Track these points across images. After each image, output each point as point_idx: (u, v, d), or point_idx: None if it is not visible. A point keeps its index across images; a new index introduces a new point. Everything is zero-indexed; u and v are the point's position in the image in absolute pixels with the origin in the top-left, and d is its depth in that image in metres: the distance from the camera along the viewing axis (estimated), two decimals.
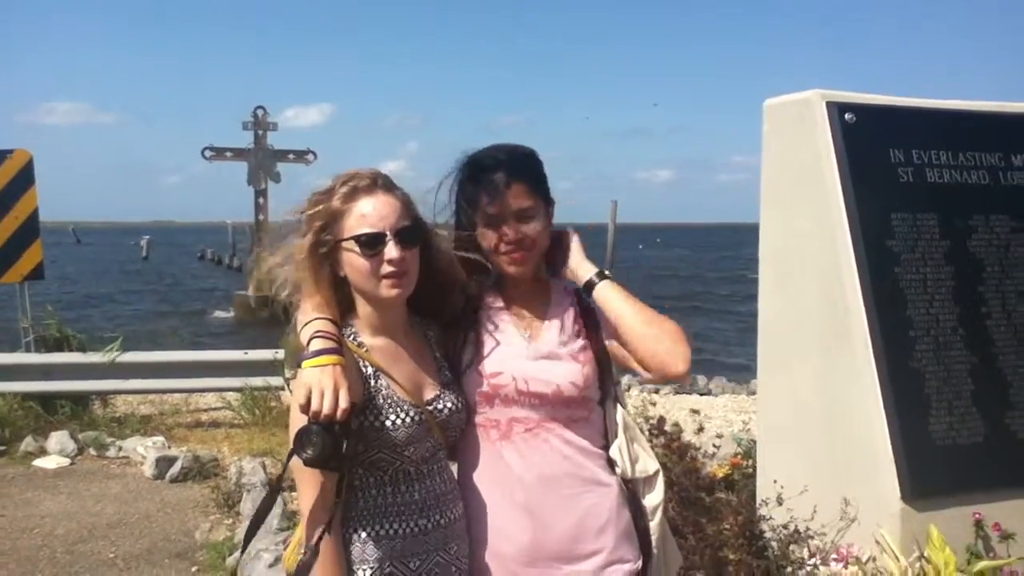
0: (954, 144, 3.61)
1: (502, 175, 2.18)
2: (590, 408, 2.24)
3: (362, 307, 2.13)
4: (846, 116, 3.51)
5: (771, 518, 3.47)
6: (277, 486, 2.04)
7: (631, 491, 2.27)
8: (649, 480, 2.29)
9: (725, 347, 19.89)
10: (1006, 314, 3.48)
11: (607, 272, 2.24)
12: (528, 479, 2.16)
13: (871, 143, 3.51)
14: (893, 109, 3.67)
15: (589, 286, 2.22)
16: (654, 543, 2.28)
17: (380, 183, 2.08)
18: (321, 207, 2.06)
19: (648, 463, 2.29)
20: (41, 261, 9.31)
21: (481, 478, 2.21)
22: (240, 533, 5.35)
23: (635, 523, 2.25)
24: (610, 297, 2.18)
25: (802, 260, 3.67)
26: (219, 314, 26.51)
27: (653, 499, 2.29)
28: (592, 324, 2.27)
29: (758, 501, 3.69)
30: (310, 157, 24.82)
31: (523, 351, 2.22)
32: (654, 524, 2.28)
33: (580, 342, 2.25)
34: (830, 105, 3.53)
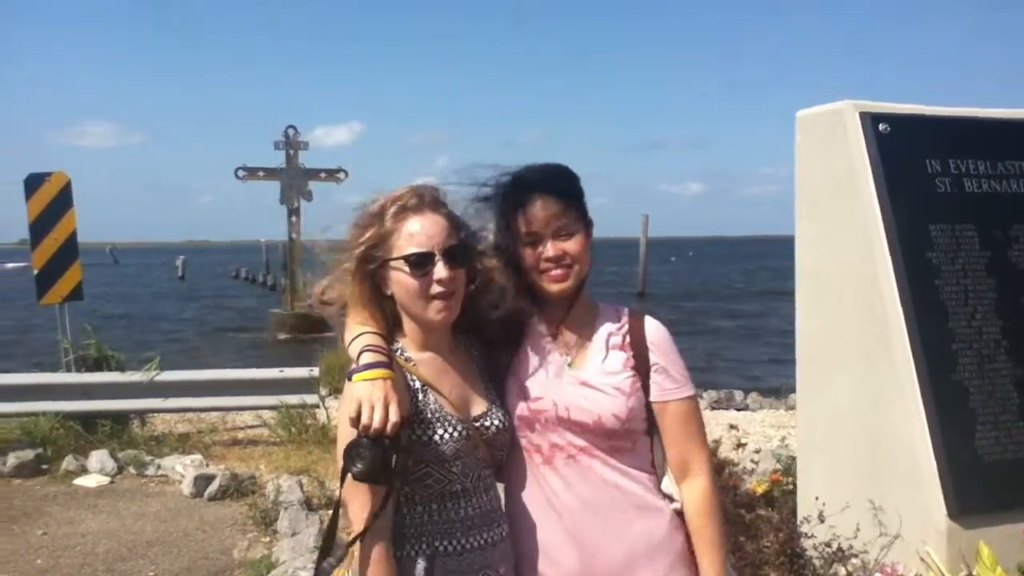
0: (992, 153, 3.55)
1: (538, 193, 2.17)
2: (635, 439, 2.20)
3: (408, 325, 2.13)
4: (880, 126, 3.47)
5: (812, 536, 3.42)
6: (339, 502, 2.02)
7: (684, 517, 2.22)
8: None
9: (760, 363, 19.68)
10: None
11: None
12: (574, 505, 2.14)
13: (906, 153, 3.47)
14: (928, 118, 3.62)
15: None
16: None
17: (428, 201, 2.09)
18: (372, 229, 2.07)
19: None
20: (80, 282, 9.47)
21: (528, 502, 2.19)
22: (277, 552, 5.37)
23: (691, 549, 2.20)
24: None
25: (840, 273, 3.62)
26: (254, 333, 26.74)
27: None
28: (642, 356, 2.22)
29: (799, 518, 3.64)
30: (341, 175, 25.00)
31: (564, 376, 2.20)
32: None
33: (628, 372, 2.20)
34: (863, 115, 3.49)
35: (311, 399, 8.69)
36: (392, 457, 1.86)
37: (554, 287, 2.19)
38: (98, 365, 9.15)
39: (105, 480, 7.45)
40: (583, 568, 2.13)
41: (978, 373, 3.24)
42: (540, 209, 2.15)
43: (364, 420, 1.85)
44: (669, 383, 2.21)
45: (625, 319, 2.27)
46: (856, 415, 3.50)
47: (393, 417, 1.85)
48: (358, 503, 1.93)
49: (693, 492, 2.19)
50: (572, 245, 2.18)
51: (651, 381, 2.20)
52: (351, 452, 1.86)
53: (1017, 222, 3.49)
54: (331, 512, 2.02)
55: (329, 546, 1.99)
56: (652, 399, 2.20)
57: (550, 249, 2.16)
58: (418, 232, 2.04)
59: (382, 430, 1.84)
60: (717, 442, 5.21)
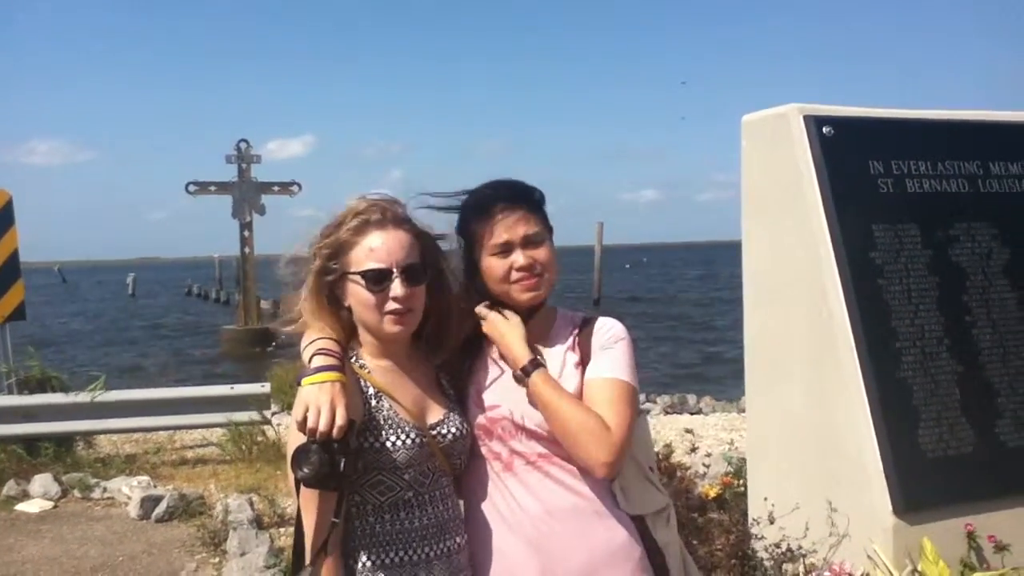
0: (932, 154, 3.60)
1: (507, 204, 2.17)
2: None
3: (364, 336, 2.12)
4: (824, 129, 3.50)
5: (763, 537, 3.43)
6: (300, 515, 1.96)
7: (642, 526, 2.19)
8: (658, 515, 2.22)
9: (713, 367, 19.87)
10: (991, 323, 3.46)
11: (541, 360, 2.15)
12: (534, 512, 2.12)
13: (850, 155, 3.50)
14: (871, 120, 3.67)
15: (521, 376, 2.14)
16: None
17: (391, 217, 2.07)
18: (331, 238, 2.05)
19: (656, 498, 2.23)
20: (22, 302, 9.22)
21: (488, 511, 2.16)
22: (226, 573, 5.25)
23: (651, 558, 2.17)
24: (538, 393, 2.10)
25: (785, 275, 3.64)
26: (204, 350, 26.34)
27: (665, 534, 2.22)
28: (586, 354, 2.20)
29: (749, 520, 3.64)
30: (295, 188, 24.78)
31: (521, 383, 2.16)
32: (670, 559, 2.21)
33: (579, 377, 2.18)
34: (807, 119, 3.52)
35: (264, 415, 8.55)
36: (340, 461, 1.83)
37: (526, 296, 2.18)
38: (41, 387, 8.91)
39: (48, 505, 7.22)
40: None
41: (921, 371, 3.28)
42: (509, 219, 2.16)
43: (310, 423, 1.82)
44: (597, 365, 2.16)
45: (579, 323, 2.27)
46: (803, 415, 3.51)
47: (339, 420, 1.83)
48: (311, 512, 1.90)
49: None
50: (542, 253, 2.18)
51: (588, 366, 2.17)
52: (298, 457, 1.83)
53: (957, 221, 3.54)
54: (294, 528, 1.97)
55: (300, 565, 1.94)
56: (585, 379, 2.16)
57: (521, 258, 2.15)
58: (378, 247, 2.02)
59: (328, 433, 1.82)
60: (669, 446, 5.21)
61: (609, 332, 2.22)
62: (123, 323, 41.51)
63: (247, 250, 24.60)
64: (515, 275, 2.16)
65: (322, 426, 1.81)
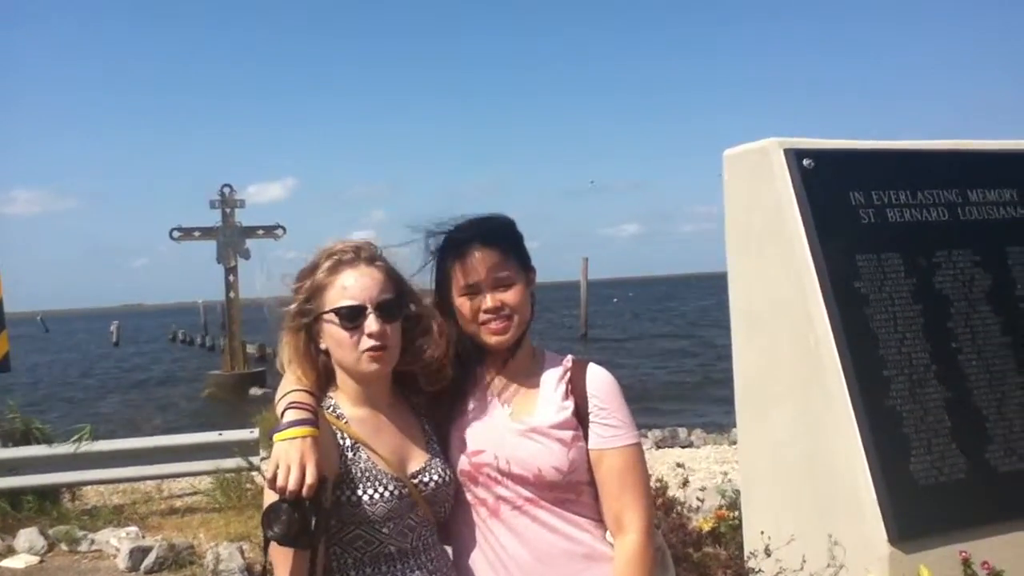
0: (912, 183, 3.65)
1: (476, 245, 2.15)
2: (579, 491, 2.15)
3: (343, 379, 2.09)
4: (804, 162, 3.54)
5: (760, 570, 3.41)
6: (265, 568, 1.94)
7: None
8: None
9: (704, 400, 19.84)
10: (976, 348, 3.48)
11: None
12: (522, 558, 2.09)
13: (831, 187, 3.54)
14: (850, 152, 3.72)
15: None
16: None
17: (363, 255, 2.07)
18: (307, 282, 2.05)
19: None
20: (7, 352, 9.13)
21: (475, 559, 2.14)
22: None
23: None
24: None
25: (772, 307, 3.67)
26: (191, 396, 26.09)
27: None
28: (582, 404, 2.17)
29: (746, 553, 3.62)
30: (279, 232, 24.80)
31: (505, 427, 2.15)
32: None
33: (569, 422, 2.15)
34: (788, 152, 3.57)
35: (253, 461, 8.46)
36: (312, 519, 1.80)
37: (494, 339, 2.16)
38: (25, 439, 8.81)
39: (34, 560, 7.10)
40: None
41: (910, 398, 3.29)
42: (478, 261, 2.13)
43: (279, 481, 1.79)
44: (607, 431, 2.15)
45: (568, 367, 2.23)
46: (795, 447, 3.52)
47: (309, 478, 1.79)
48: (282, 569, 1.86)
49: (621, 549, 2.11)
50: (511, 296, 2.15)
51: (590, 430, 2.15)
52: (269, 515, 1.81)
53: (939, 249, 3.58)
54: None
55: None
56: (590, 447, 2.15)
57: (489, 300, 2.13)
58: (352, 285, 2.02)
59: (298, 491, 1.78)
60: (662, 481, 5.18)
61: (603, 385, 2.20)
62: (107, 372, 41.08)
63: (232, 295, 24.52)
64: (483, 317, 2.14)
65: (291, 484, 1.78)
